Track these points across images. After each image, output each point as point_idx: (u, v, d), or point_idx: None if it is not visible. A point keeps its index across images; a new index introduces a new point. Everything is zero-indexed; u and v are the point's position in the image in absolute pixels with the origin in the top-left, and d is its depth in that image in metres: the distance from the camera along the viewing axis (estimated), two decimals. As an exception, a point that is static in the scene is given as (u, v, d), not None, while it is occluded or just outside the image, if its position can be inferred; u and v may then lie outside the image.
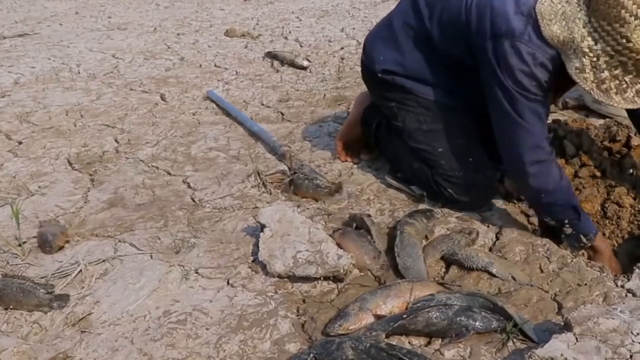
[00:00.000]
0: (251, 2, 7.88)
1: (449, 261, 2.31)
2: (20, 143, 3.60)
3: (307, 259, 2.19)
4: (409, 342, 1.91)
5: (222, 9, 7.54)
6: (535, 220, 2.67)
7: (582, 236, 2.35)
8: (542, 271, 2.25)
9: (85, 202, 2.87)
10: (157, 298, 2.14)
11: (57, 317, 2.08)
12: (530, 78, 2.26)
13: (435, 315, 1.89)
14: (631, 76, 2.09)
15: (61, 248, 2.47)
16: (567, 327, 1.83)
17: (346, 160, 3.13)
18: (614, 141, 2.94)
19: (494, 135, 2.48)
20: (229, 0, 8.03)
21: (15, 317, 2.09)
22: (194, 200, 2.84)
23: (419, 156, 2.71)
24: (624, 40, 2.03)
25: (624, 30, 2.02)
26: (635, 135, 2.89)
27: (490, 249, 2.41)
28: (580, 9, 2.13)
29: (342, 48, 5.41)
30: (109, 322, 2.04)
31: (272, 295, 2.14)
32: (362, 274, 2.26)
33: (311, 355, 1.80)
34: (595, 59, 2.10)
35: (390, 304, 2.00)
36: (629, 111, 2.66)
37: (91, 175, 3.15)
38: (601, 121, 3.22)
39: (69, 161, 3.32)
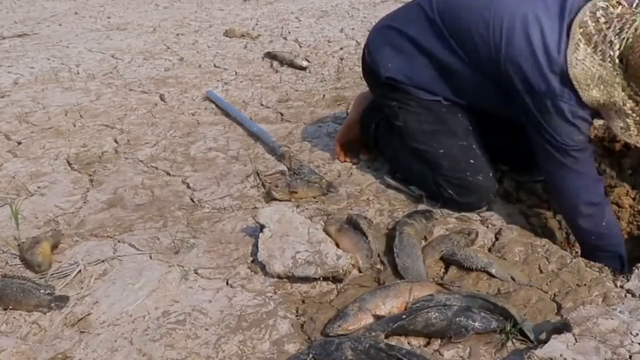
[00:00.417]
0: (250, 3, 7.87)
1: (448, 261, 2.31)
2: (19, 143, 3.60)
3: (306, 259, 2.19)
4: (408, 343, 1.91)
5: (222, 10, 7.54)
6: (534, 220, 2.68)
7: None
8: (541, 271, 2.25)
9: (84, 203, 2.87)
10: (156, 298, 2.14)
11: (56, 318, 2.07)
12: (574, 132, 2.29)
13: (434, 316, 1.89)
14: None
15: (54, 248, 2.45)
16: (565, 327, 1.83)
17: (345, 161, 3.13)
18: (613, 141, 2.95)
19: (496, 137, 2.50)
20: (228, 0, 8.03)
21: (14, 318, 2.09)
22: (193, 201, 2.84)
23: (420, 157, 2.70)
24: None
25: None
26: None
27: (489, 250, 2.41)
28: (617, 73, 2.13)
29: (342, 48, 5.41)
30: (108, 323, 2.04)
31: (271, 296, 2.14)
32: (361, 274, 2.26)
33: (310, 356, 1.80)
34: (638, 117, 2.15)
35: (390, 305, 2.00)
36: None
37: (90, 175, 3.15)
38: (601, 121, 3.21)
39: (68, 161, 3.32)
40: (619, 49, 2.11)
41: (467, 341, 1.88)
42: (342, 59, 5.08)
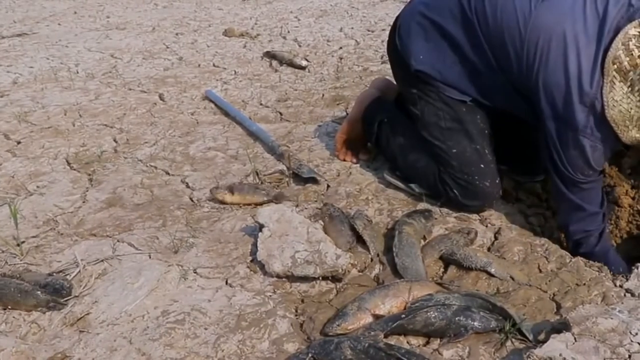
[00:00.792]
0: (250, 2, 7.88)
1: (447, 261, 2.31)
2: (18, 143, 3.60)
3: (305, 258, 2.19)
4: (408, 342, 1.91)
5: (221, 9, 7.54)
6: (533, 220, 2.68)
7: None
8: (540, 271, 2.25)
9: (83, 202, 2.87)
10: (155, 298, 2.14)
11: (56, 317, 2.07)
12: (588, 167, 2.31)
13: (433, 315, 1.89)
14: None
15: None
16: (564, 326, 1.83)
17: (345, 160, 3.13)
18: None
19: (496, 137, 2.52)
20: (227, 0, 8.03)
21: (13, 317, 2.08)
22: (192, 200, 2.84)
23: (430, 151, 2.68)
24: None
25: None
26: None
27: (488, 249, 2.42)
28: None
29: (341, 48, 5.41)
30: (108, 322, 2.04)
31: (270, 295, 2.14)
32: (360, 274, 2.26)
33: (309, 355, 1.80)
34: None
35: (389, 304, 2.00)
36: None
37: (90, 175, 3.14)
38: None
39: (67, 161, 3.32)
40: None
41: (466, 341, 1.88)
42: (341, 59, 5.08)
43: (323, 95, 4.19)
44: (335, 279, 2.20)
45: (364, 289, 2.13)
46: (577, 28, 2.21)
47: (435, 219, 2.56)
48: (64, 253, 2.44)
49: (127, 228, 2.62)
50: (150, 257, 2.37)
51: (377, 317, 1.96)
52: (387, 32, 2.86)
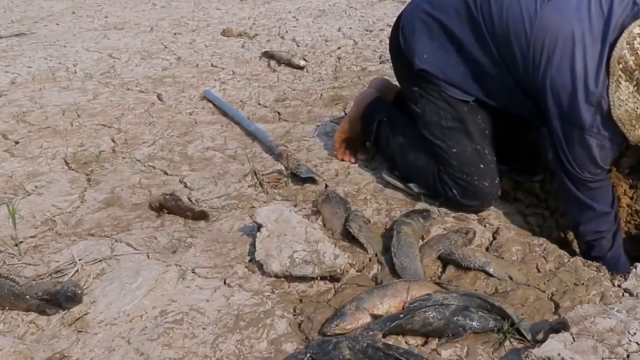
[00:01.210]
0: (248, 2, 7.88)
1: (445, 261, 2.31)
2: (16, 143, 3.60)
3: (303, 258, 2.19)
4: (406, 342, 1.91)
5: (219, 9, 7.54)
6: (532, 220, 2.68)
7: None
8: (539, 271, 2.25)
9: (81, 202, 2.87)
10: (153, 298, 2.14)
11: (54, 317, 2.07)
12: (595, 166, 2.31)
13: (432, 315, 1.89)
14: None
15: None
16: (563, 326, 1.83)
17: (343, 159, 3.13)
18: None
19: (506, 143, 2.52)
20: (225, 0, 8.03)
21: (11, 317, 2.08)
22: (190, 200, 2.84)
23: (430, 150, 2.68)
24: None
25: None
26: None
27: (487, 249, 2.42)
28: None
29: (339, 48, 5.41)
30: (106, 322, 2.04)
31: (268, 295, 2.14)
32: (358, 273, 2.26)
33: (308, 355, 1.80)
34: None
35: (387, 304, 2.00)
36: None
37: (88, 175, 3.14)
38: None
39: (65, 161, 3.32)
40: None
41: (464, 340, 1.89)
42: (339, 58, 5.08)
43: (321, 95, 4.19)
44: (333, 278, 2.20)
45: (362, 289, 2.13)
46: (583, 27, 2.21)
47: (434, 218, 2.56)
48: (62, 253, 2.44)
49: (125, 228, 2.62)
50: (148, 257, 2.37)
51: (375, 317, 1.96)
52: (386, 32, 2.86)
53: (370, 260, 2.32)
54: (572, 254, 2.41)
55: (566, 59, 2.23)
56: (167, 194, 2.78)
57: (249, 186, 2.92)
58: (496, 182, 2.62)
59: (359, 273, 2.26)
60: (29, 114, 4.05)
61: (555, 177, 2.49)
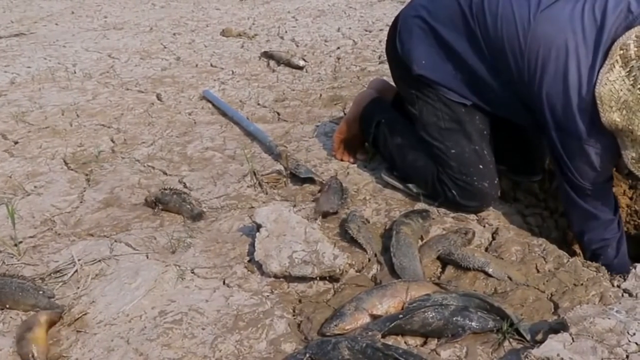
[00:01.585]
0: (247, 2, 7.88)
1: (445, 261, 2.31)
2: (16, 143, 3.60)
3: (303, 259, 2.19)
4: (405, 342, 1.91)
5: (218, 9, 7.54)
6: (531, 220, 2.68)
7: None
8: (538, 271, 2.25)
9: (81, 202, 2.87)
10: (153, 298, 2.14)
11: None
12: (596, 174, 2.31)
13: (431, 315, 1.89)
14: None
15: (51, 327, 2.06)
16: (562, 326, 1.83)
17: (342, 159, 3.13)
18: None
19: (505, 143, 2.52)
20: (225, 0, 8.03)
21: (11, 317, 2.08)
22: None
23: (429, 151, 2.68)
24: None
25: None
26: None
27: (486, 249, 2.41)
28: None
29: (339, 48, 5.41)
30: (105, 322, 2.04)
31: (268, 295, 2.14)
32: (358, 274, 2.26)
33: (307, 355, 1.80)
34: None
35: (386, 304, 2.00)
36: None
37: (87, 175, 3.14)
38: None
39: (64, 161, 3.32)
40: None
41: (463, 341, 1.88)
42: (339, 59, 5.08)
43: (321, 95, 4.19)
44: (332, 279, 2.20)
45: (361, 289, 2.13)
46: (576, 38, 2.21)
47: (433, 219, 2.56)
48: (61, 253, 2.44)
49: (125, 228, 2.62)
50: (147, 257, 2.37)
51: (374, 317, 1.96)
52: (385, 33, 2.86)
53: (369, 260, 2.32)
54: (572, 254, 2.41)
55: (560, 71, 2.24)
56: (165, 189, 2.79)
57: (248, 186, 2.91)
58: (495, 182, 2.62)
59: (358, 273, 2.26)
60: (28, 114, 4.05)
61: (559, 188, 2.49)
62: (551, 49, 2.25)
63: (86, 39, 6.17)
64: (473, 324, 1.90)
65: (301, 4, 7.44)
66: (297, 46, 5.56)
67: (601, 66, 2.16)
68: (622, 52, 2.12)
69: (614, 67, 2.12)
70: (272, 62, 5.05)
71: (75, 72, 5.00)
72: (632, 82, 2.10)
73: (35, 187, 3.02)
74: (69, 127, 3.81)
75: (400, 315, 1.90)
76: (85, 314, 2.08)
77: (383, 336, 1.88)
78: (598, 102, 2.15)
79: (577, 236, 2.61)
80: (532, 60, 2.29)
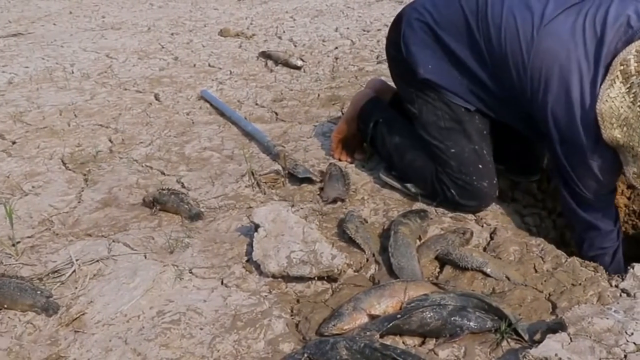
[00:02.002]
0: (245, 2, 7.88)
1: (443, 261, 2.31)
2: (13, 143, 3.60)
3: (301, 258, 2.19)
4: (403, 342, 1.91)
5: (216, 9, 7.54)
6: (529, 220, 2.68)
7: None
8: (536, 271, 2.25)
9: (79, 202, 2.87)
10: (151, 298, 2.14)
11: (51, 317, 2.07)
12: (599, 186, 2.32)
13: (429, 315, 1.89)
14: None
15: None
16: (560, 326, 1.83)
17: (340, 159, 3.12)
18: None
19: (504, 143, 2.52)
20: (222, 0, 8.03)
21: (9, 317, 2.08)
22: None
23: (428, 150, 2.68)
24: None
25: None
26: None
27: (484, 249, 2.41)
28: None
29: (336, 48, 5.41)
30: (103, 322, 2.04)
31: (266, 295, 2.14)
32: (356, 274, 2.26)
33: (305, 355, 1.80)
34: None
35: (385, 304, 2.00)
36: None
37: (85, 175, 3.14)
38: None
39: (62, 161, 3.31)
40: None
41: (462, 341, 1.88)
42: (336, 59, 5.08)
43: (319, 95, 4.19)
44: (330, 279, 2.20)
45: (359, 289, 2.13)
46: (578, 52, 2.21)
47: (431, 219, 2.55)
48: (59, 253, 2.44)
49: (123, 228, 2.62)
50: (145, 257, 2.37)
51: (372, 317, 1.96)
52: (383, 33, 2.86)
53: (367, 260, 2.32)
54: (570, 254, 2.40)
55: (563, 86, 2.24)
56: (163, 189, 2.79)
57: (246, 186, 2.91)
58: (494, 182, 2.62)
59: (356, 273, 2.26)
60: (26, 114, 4.05)
61: (560, 197, 2.49)
62: (554, 64, 2.25)
63: (84, 39, 6.17)
64: (471, 323, 1.90)
65: (299, 4, 7.44)
66: (295, 46, 5.56)
67: (602, 81, 2.16)
68: (622, 67, 2.11)
69: (615, 82, 2.12)
70: (270, 62, 5.05)
71: (73, 72, 5.00)
72: (632, 99, 2.10)
73: (33, 187, 3.02)
74: (67, 127, 3.81)
75: (399, 315, 1.90)
76: (83, 314, 2.08)
77: (381, 336, 1.88)
78: (599, 118, 2.16)
79: (576, 244, 2.61)
80: (536, 76, 2.29)
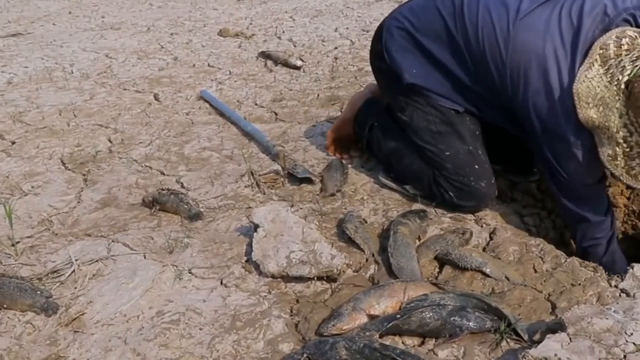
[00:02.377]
0: (245, 2, 7.87)
1: (442, 261, 2.31)
2: (13, 143, 3.59)
3: (300, 259, 2.19)
4: (403, 342, 1.91)
5: (216, 9, 7.53)
6: (529, 220, 2.68)
7: None
8: (535, 271, 2.25)
9: (78, 202, 2.86)
10: (150, 298, 2.14)
11: (50, 317, 2.07)
12: (585, 174, 2.33)
13: (428, 316, 1.89)
14: None
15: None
16: (559, 326, 1.83)
17: (335, 155, 3.13)
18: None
19: (502, 144, 2.52)
20: (222, 0, 8.02)
21: (8, 317, 2.08)
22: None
23: (423, 155, 2.68)
24: None
25: None
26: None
27: (484, 249, 2.42)
28: (619, 98, 2.12)
29: (336, 48, 5.41)
30: (102, 322, 2.04)
31: (265, 295, 2.14)
32: (355, 274, 2.26)
33: (304, 355, 1.80)
34: (628, 149, 2.14)
35: (384, 304, 2.00)
36: None
37: (84, 175, 3.14)
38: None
39: (62, 161, 3.31)
40: (628, 74, 2.10)
41: (461, 341, 1.88)
42: (336, 59, 5.08)
43: (318, 95, 4.19)
44: (330, 279, 2.20)
45: (359, 289, 2.13)
46: (555, 42, 2.25)
47: (430, 219, 2.56)
48: (58, 253, 2.44)
49: (122, 228, 2.62)
50: (145, 257, 2.37)
51: (372, 317, 1.96)
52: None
53: (367, 260, 2.32)
54: (569, 254, 2.41)
55: (541, 78, 2.26)
56: (162, 189, 2.79)
57: (245, 186, 2.91)
58: (492, 182, 2.62)
59: (355, 273, 2.26)
60: (25, 114, 4.05)
61: (549, 185, 2.49)
62: (531, 56, 2.28)
63: (83, 39, 6.17)
64: (470, 324, 1.90)
65: (299, 4, 7.44)
66: (295, 46, 5.56)
67: (581, 66, 2.18)
68: (601, 51, 2.14)
69: (593, 65, 2.15)
70: (269, 62, 5.04)
71: (72, 72, 4.99)
72: (609, 79, 2.12)
73: (32, 187, 3.02)
74: (67, 127, 3.81)
75: (398, 316, 1.90)
76: (83, 314, 2.08)
77: (381, 336, 1.88)
78: (575, 98, 2.17)
79: (572, 235, 2.63)
80: (515, 70, 2.32)
